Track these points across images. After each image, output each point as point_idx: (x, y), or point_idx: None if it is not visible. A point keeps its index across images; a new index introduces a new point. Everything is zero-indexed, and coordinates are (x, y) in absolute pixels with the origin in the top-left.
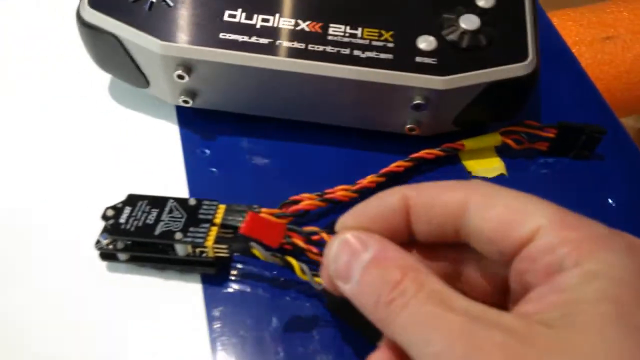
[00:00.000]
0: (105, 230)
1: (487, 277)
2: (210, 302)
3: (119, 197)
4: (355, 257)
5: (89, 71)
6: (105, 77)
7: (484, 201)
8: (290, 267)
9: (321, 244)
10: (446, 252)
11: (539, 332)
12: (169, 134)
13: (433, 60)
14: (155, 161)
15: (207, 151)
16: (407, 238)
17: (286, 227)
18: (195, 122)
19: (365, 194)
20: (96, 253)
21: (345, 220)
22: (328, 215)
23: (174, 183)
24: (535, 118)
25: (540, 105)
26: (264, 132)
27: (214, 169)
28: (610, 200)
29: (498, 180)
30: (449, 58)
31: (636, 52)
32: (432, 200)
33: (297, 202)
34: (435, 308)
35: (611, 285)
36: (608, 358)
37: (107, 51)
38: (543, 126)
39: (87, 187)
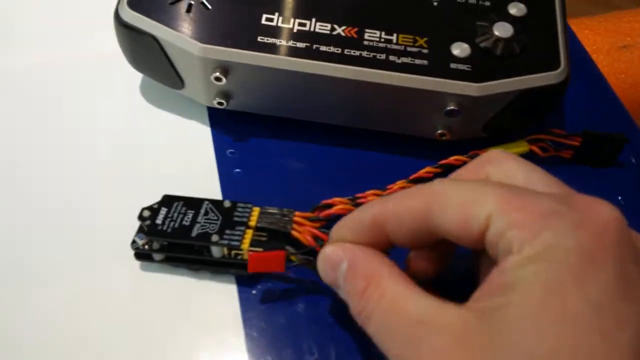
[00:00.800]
0: (142, 231)
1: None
2: (244, 303)
3: (152, 198)
4: (336, 271)
5: (122, 70)
6: (137, 77)
7: (442, 202)
8: None
9: None
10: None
11: (472, 327)
12: (201, 134)
13: (467, 67)
14: (187, 162)
15: (239, 152)
16: (390, 246)
17: (286, 253)
18: (227, 124)
19: None
20: (131, 253)
21: (331, 233)
22: None
23: (206, 184)
24: (556, 124)
25: (562, 111)
26: (295, 135)
27: (245, 171)
28: (623, 202)
29: None
30: (483, 65)
31: None
32: (398, 210)
33: (329, 206)
34: (390, 316)
35: (547, 269)
36: (528, 355)
37: (143, 52)
38: (568, 135)
39: (120, 187)
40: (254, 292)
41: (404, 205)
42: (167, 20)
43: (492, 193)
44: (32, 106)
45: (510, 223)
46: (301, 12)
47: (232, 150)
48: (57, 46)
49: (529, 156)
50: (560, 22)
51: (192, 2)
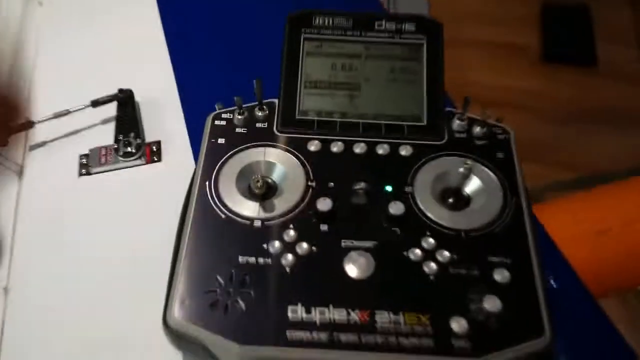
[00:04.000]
0: None
1: None
2: None
3: None
4: None
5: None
6: None
7: None
8: None
9: None
10: None
11: None
12: None
13: (466, 343)
14: None
15: None
16: None
17: None
18: None
19: None
20: None
21: None
22: None
23: None
24: None
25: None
26: None
27: None
28: None
29: None
30: (479, 339)
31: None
32: None
33: None
34: None
35: None
36: None
37: (191, 348)
38: None
39: None
40: None
41: None
42: (209, 324)
43: None
44: None
45: None
46: (319, 300)
47: None
48: None
49: None
50: (541, 286)
51: (228, 303)
